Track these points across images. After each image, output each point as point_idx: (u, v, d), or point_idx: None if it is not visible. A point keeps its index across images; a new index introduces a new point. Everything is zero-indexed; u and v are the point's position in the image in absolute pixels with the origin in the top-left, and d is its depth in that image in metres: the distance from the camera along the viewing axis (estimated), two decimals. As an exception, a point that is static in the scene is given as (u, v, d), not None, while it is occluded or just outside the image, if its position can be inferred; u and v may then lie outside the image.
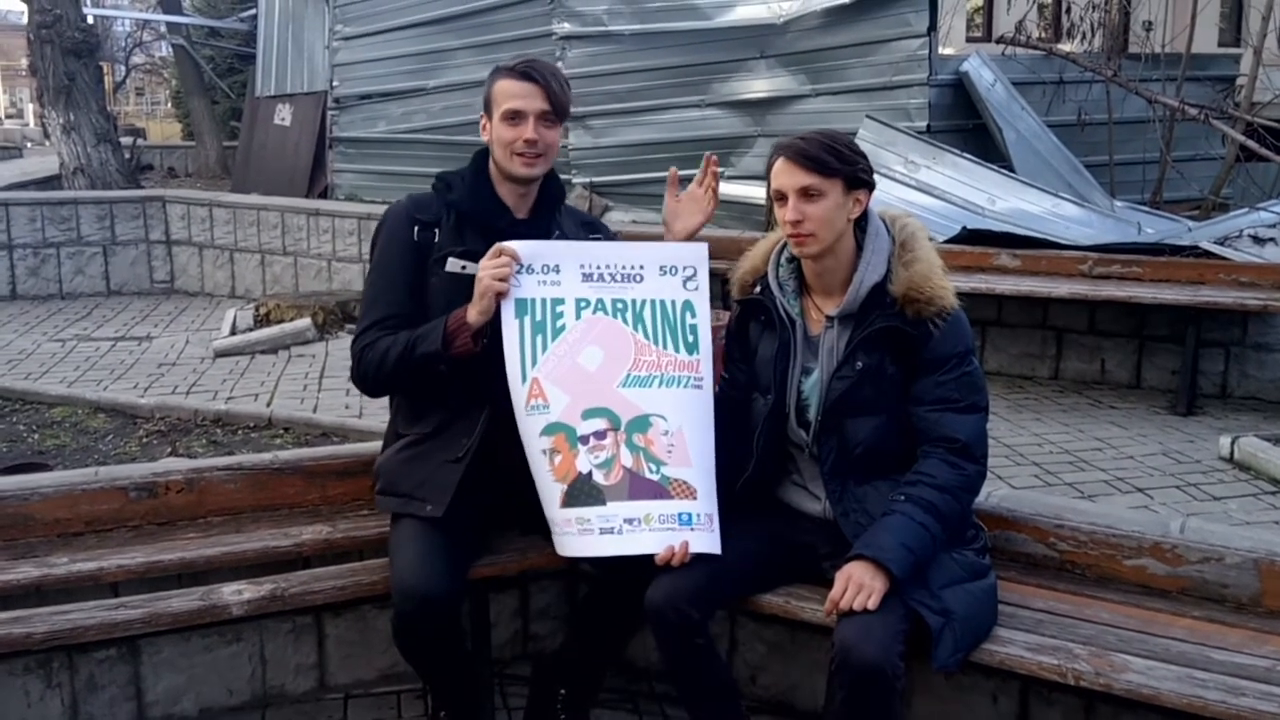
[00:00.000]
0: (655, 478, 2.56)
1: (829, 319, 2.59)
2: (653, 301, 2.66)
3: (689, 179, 2.91)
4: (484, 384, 2.66)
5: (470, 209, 2.77)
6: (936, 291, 2.50)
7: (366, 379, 2.76)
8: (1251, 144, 7.10)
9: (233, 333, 7.23)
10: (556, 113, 2.73)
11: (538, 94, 2.70)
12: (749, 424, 2.68)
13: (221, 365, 6.65)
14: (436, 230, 2.77)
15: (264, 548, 2.89)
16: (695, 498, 2.56)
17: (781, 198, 2.53)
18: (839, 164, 2.50)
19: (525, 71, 2.72)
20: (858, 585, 2.35)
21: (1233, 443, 4.82)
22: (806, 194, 2.50)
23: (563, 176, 3.10)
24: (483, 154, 2.82)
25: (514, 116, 2.70)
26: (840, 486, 2.57)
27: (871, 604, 2.33)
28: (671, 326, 2.65)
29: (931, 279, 2.52)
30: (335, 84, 11.78)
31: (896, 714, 2.39)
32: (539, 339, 2.60)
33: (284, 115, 12.20)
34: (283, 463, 3.16)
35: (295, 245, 8.73)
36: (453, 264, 2.72)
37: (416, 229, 2.76)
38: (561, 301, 2.63)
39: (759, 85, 8.68)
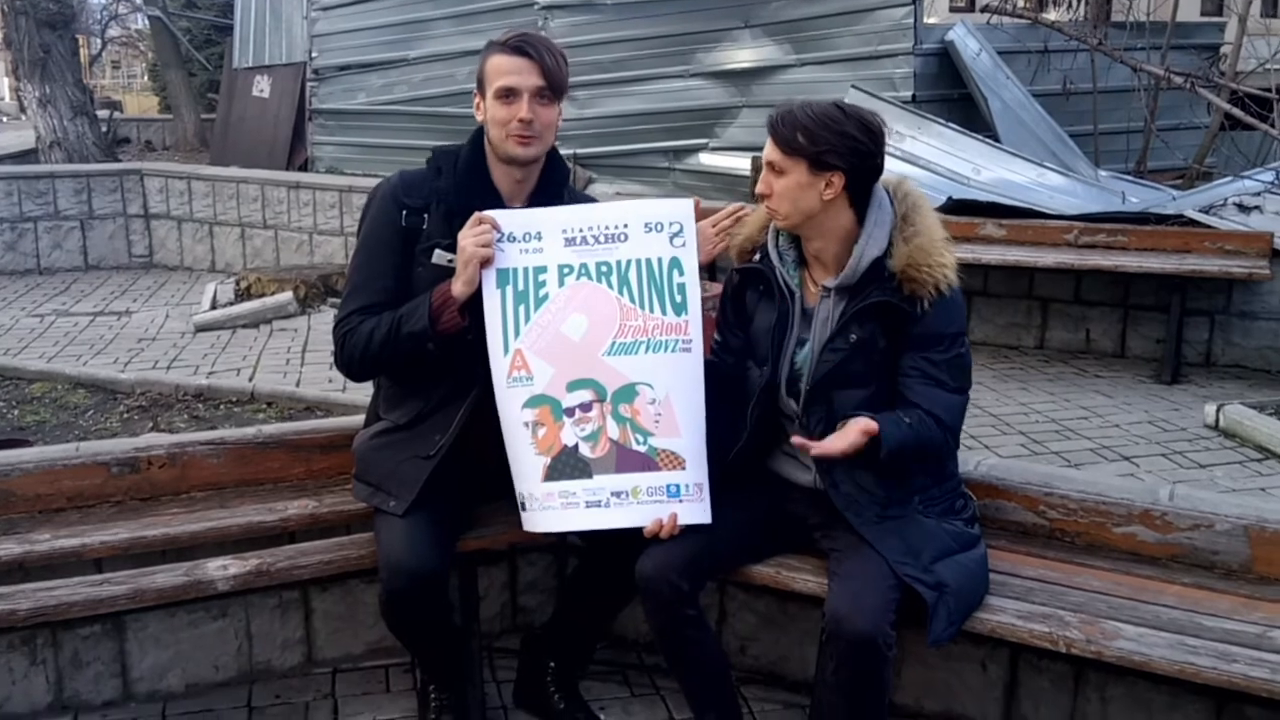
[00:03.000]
0: (643, 449, 2.53)
1: (825, 289, 2.57)
2: (638, 261, 2.58)
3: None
4: (468, 376, 2.60)
5: (458, 201, 2.63)
6: (935, 268, 2.46)
7: (352, 363, 2.68)
8: (1236, 112, 7.10)
9: (213, 307, 7.17)
10: (553, 89, 2.59)
11: (532, 70, 2.56)
12: (742, 393, 2.65)
13: (202, 340, 6.60)
14: (425, 216, 2.66)
15: (249, 523, 2.86)
16: (684, 468, 2.54)
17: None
18: (805, 143, 2.43)
19: (518, 46, 2.58)
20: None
21: (1218, 410, 4.85)
22: (773, 168, 2.49)
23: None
24: (481, 132, 2.69)
25: (508, 94, 2.57)
26: (830, 458, 2.55)
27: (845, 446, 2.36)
28: (658, 286, 2.58)
29: (931, 254, 2.47)
30: (314, 55, 11.64)
31: (887, 683, 2.39)
32: (521, 309, 2.55)
33: (262, 87, 12.05)
34: (266, 437, 3.12)
35: (276, 219, 8.64)
36: (439, 256, 2.62)
37: (404, 213, 2.65)
38: (544, 269, 2.57)
39: (743, 55, 8.62)
